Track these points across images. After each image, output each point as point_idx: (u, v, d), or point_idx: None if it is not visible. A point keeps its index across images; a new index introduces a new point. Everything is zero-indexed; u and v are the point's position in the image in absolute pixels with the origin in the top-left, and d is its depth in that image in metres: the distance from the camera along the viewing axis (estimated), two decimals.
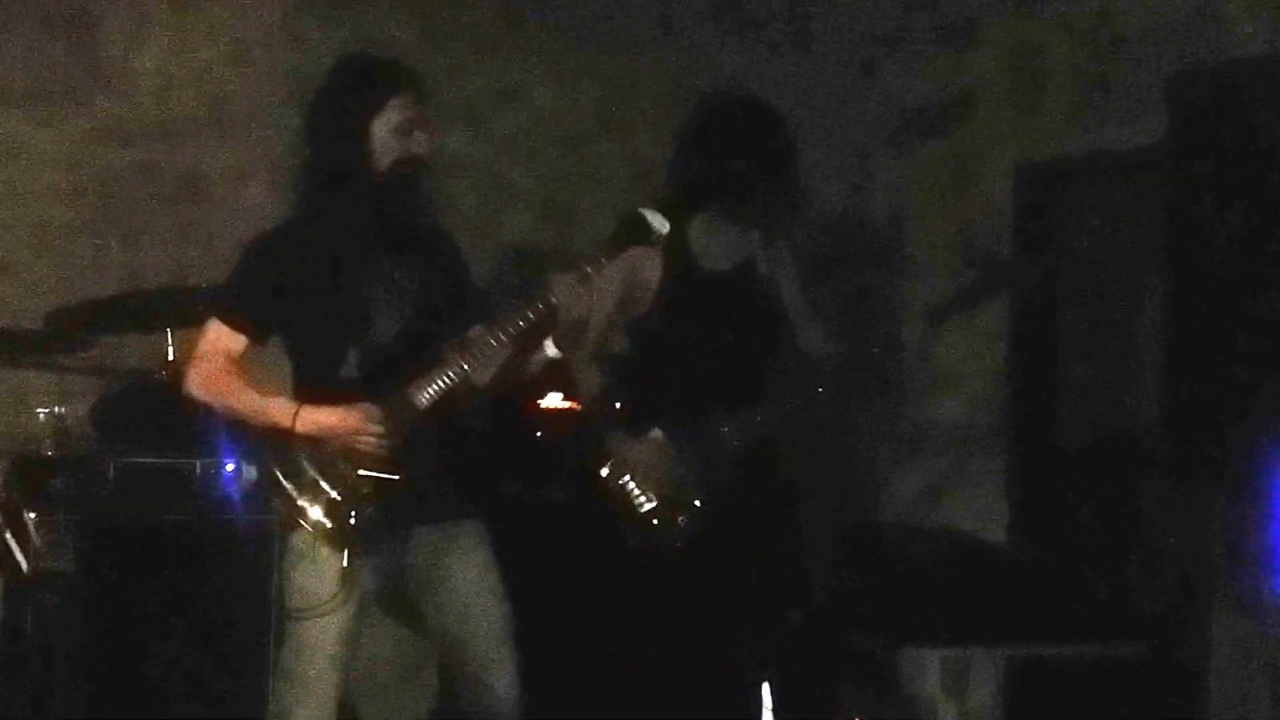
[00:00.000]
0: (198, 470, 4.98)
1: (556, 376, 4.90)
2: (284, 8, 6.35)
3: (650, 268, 4.77)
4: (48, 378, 5.41)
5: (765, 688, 4.86)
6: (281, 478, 3.99)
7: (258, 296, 4.08)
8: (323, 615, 3.98)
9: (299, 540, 4.02)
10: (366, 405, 3.97)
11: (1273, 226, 5.08)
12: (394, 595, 4.13)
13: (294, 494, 3.98)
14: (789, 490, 4.93)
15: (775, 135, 4.78)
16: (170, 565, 4.83)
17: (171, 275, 5.78)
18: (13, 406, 5.41)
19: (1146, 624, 5.33)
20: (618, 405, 4.79)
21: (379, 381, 4.02)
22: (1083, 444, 6.23)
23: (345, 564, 3.96)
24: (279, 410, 4.01)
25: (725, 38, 6.99)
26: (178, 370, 4.55)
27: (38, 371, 5.39)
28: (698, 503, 4.71)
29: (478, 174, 6.51)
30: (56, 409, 5.09)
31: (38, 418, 5.07)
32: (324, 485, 3.97)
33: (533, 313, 3.98)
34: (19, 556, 4.79)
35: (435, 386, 4.00)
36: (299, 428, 3.97)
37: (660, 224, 4.11)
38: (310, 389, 4.06)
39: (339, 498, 3.97)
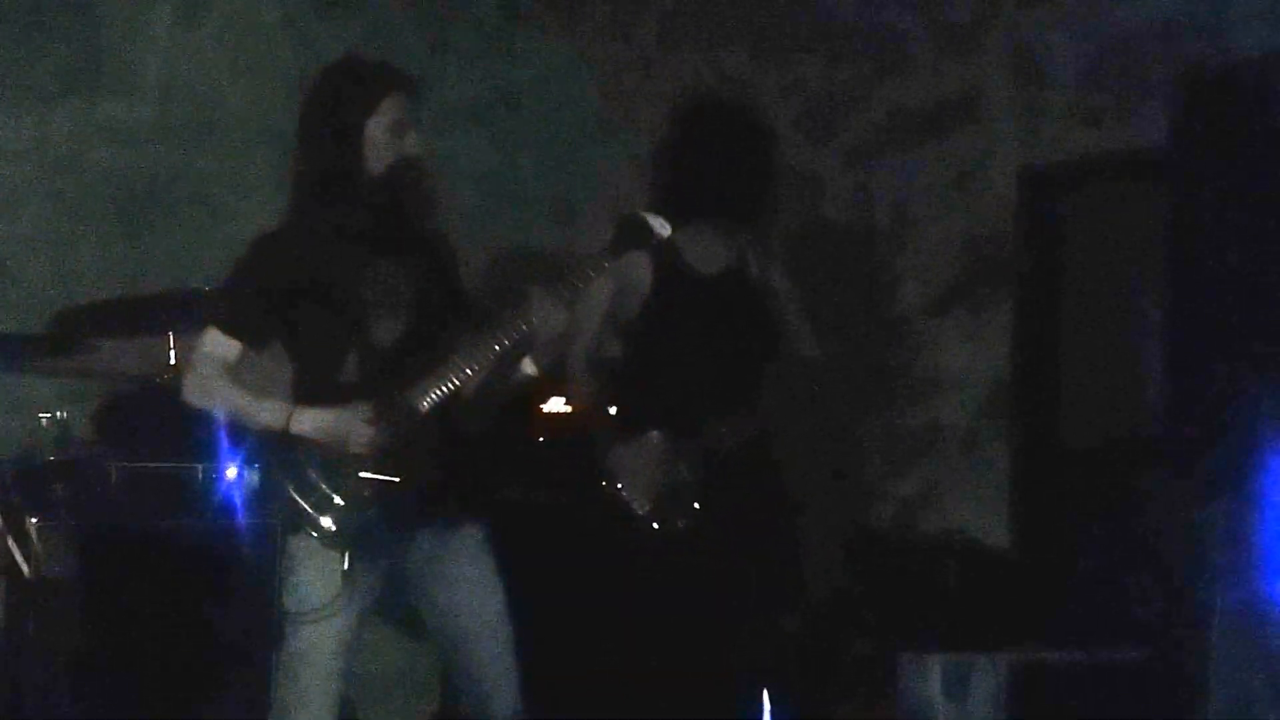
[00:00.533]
0: (199, 475, 4.97)
1: (558, 381, 4.91)
2: (286, 9, 6.34)
3: (640, 271, 4.77)
4: (49, 382, 5.41)
5: (765, 693, 4.85)
6: (282, 480, 3.99)
7: (254, 301, 4.08)
8: (323, 619, 3.99)
9: (299, 544, 4.02)
10: (357, 406, 3.97)
11: (1277, 228, 5.07)
12: (394, 598, 4.13)
13: (295, 497, 3.98)
14: (788, 495, 4.93)
15: (754, 136, 4.79)
16: (172, 570, 4.83)
17: (173, 279, 5.77)
18: (14, 411, 5.41)
19: (1147, 629, 5.32)
20: (613, 410, 4.80)
21: (378, 385, 4.01)
22: (1085, 448, 6.21)
23: (346, 567, 3.96)
24: (272, 413, 4.02)
25: (728, 39, 6.98)
26: (179, 375, 4.54)
27: (39, 376, 5.38)
28: (696, 505, 4.71)
29: (479, 176, 6.50)
30: (58, 413, 5.07)
31: (39, 422, 5.07)
32: (325, 488, 3.98)
33: (508, 339, 3.98)
34: (20, 561, 4.79)
35: (436, 391, 4.00)
36: (292, 429, 3.98)
37: (661, 226, 4.12)
38: (309, 393, 4.06)
39: (340, 501, 3.97)
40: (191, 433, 4.73)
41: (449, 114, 6.31)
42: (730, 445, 4.74)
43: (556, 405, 5.75)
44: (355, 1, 6.46)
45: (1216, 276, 5.16)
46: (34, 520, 4.81)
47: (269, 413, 4.02)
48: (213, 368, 4.07)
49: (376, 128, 4.03)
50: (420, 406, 4.01)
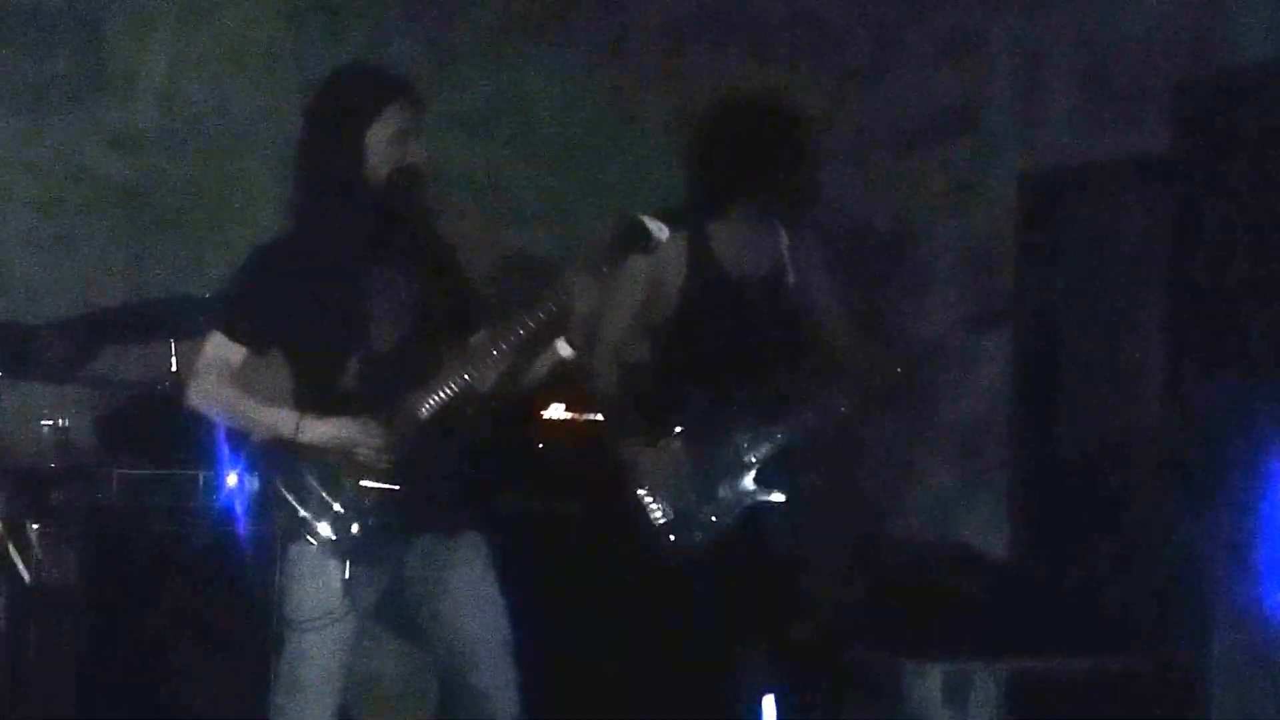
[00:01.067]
0: (200, 482, 4.98)
1: (560, 387, 4.90)
2: (288, 17, 6.35)
3: (673, 272, 4.73)
4: (50, 389, 5.40)
5: (768, 701, 4.84)
6: (283, 489, 4.00)
7: (257, 307, 4.08)
8: (323, 627, 3.98)
9: (299, 551, 4.01)
10: (367, 419, 3.97)
11: (1275, 234, 5.08)
12: (394, 607, 4.12)
13: (295, 504, 3.97)
14: (793, 503, 4.90)
15: (793, 130, 4.74)
16: (172, 576, 4.84)
17: (174, 286, 5.77)
18: (15, 418, 5.40)
19: (1148, 636, 5.32)
20: (636, 412, 4.75)
21: (378, 392, 4.01)
22: (1084, 456, 6.21)
23: (345, 575, 3.96)
24: (281, 421, 4.01)
25: (728, 46, 6.98)
26: (180, 382, 4.55)
27: (40, 383, 5.38)
28: (714, 519, 4.68)
29: (479, 183, 6.50)
30: (59, 421, 5.10)
31: (40, 429, 5.08)
32: (325, 496, 3.97)
33: (543, 312, 3.96)
34: (22, 568, 4.81)
35: (436, 397, 4.00)
36: (301, 438, 3.97)
37: (659, 230, 4.08)
38: (310, 400, 4.05)
39: (340, 509, 3.97)
40: (192, 440, 4.75)
41: (447, 122, 6.31)
42: (754, 459, 4.70)
43: (558, 412, 5.74)
44: (356, 10, 6.46)
45: (1215, 284, 5.17)
46: (35, 526, 4.84)
47: (277, 420, 4.02)
48: (217, 373, 4.07)
49: (379, 136, 4.03)
50: (420, 413, 4.01)
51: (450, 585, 4.09)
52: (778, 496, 4.74)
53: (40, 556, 4.82)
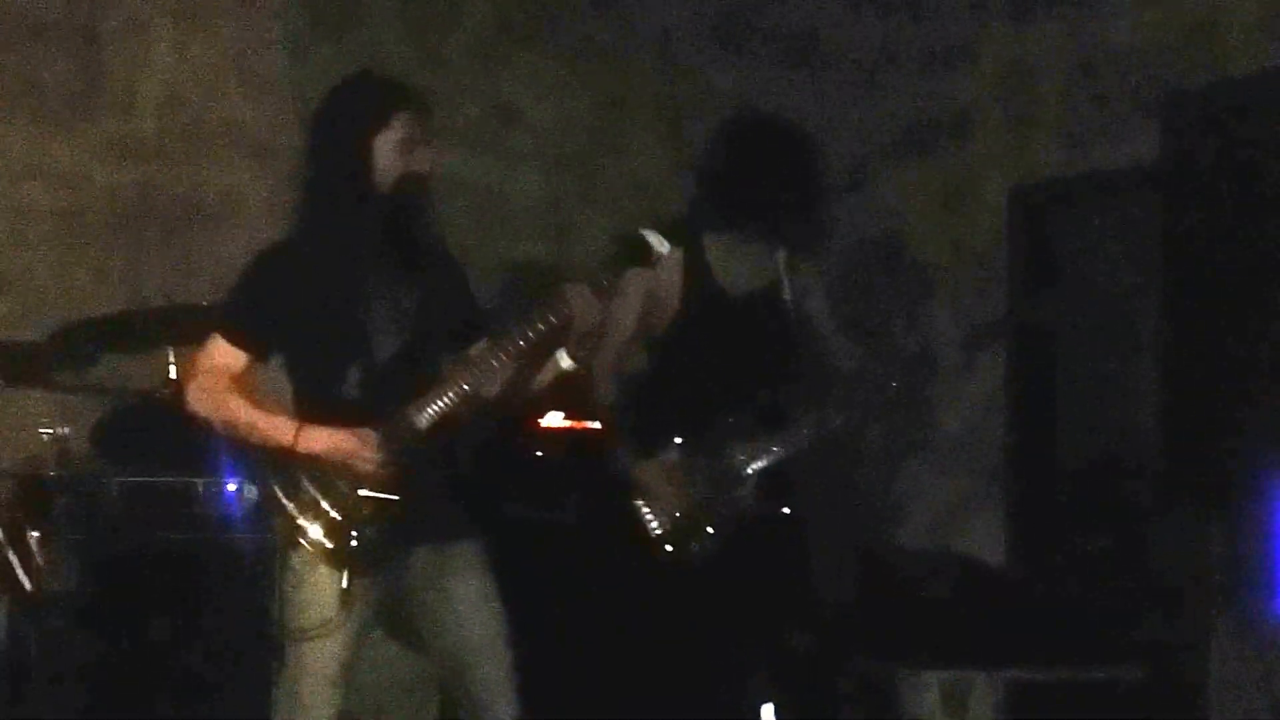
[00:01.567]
0: (200, 490, 4.98)
1: (558, 395, 4.90)
2: (285, 27, 6.36)
3: (670, 286, 4.75)
4: (50, 397, 5.40)
5: (767, 710, 4.85)
6: (282, 497, 3.98)
7: (260, 313, 4.07)
8: (323, 635, 3.96)
9: (299, 560, 3.99)
10: (366, 430, 3.97)
11: (1268, 246, 5.10)
12: (393, 616, 4.13)
13: (294, 513, 3.96)
14: (793, 513, 4.91)
15: (803, 158, 4.75)
16: (172, 584, 4.84)
17: (173, 294, 5.77)
18: (15, 426, 5.41)
19: (1146, 647, 5.33)
20: (634, 425, 4.76)
21: (378, 401, 4.01)
22: (1082, 467, 6.23)
23: (345, 584, 3.95)
24: (280, 429, 4.00)
25: (722, 56, 7.00)
26: (180, 389, 4.55)
27: (40, 391, 5.38)
28: (710, 529, 4.70)
29: (476, 193, 6.51)
30: (59, 429, 5.09)
31: (40, 438, 5.08)
32: (324, 505, 3.96)
33: (543, 323, 3.97)
34: (22, 576, 4.80)
35: (435, 407, 4.00)
36: (299, 447, 3.97)
37: (660, 244, 4.08)
38: (309, 407, 4.04)
39: (339, 517, 3.96)
40: (192, 448, 4.75)
41: (442, 132, 6.31)
42: (750, 471, 4.72)
43: (556, 421, 5.74)
44: (352, 20, 6.47)
45: (1209, 295, 5.18)
46: (35, 535, 4.83)
47: (276, 428, 4.01)
48: (219, 378, 4.07)
49: (385, 144, 4.03)
50: (419, 423, 4.01)
51: (450, 594, 4.08)
52: (775, 508, 4.77)
53: (40, 564, 4.81)
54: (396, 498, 3.97)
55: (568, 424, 5.71)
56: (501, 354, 3.99)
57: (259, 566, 4.50)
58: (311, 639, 3.97)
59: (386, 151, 4.03)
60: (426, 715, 5.11)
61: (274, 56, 6.31)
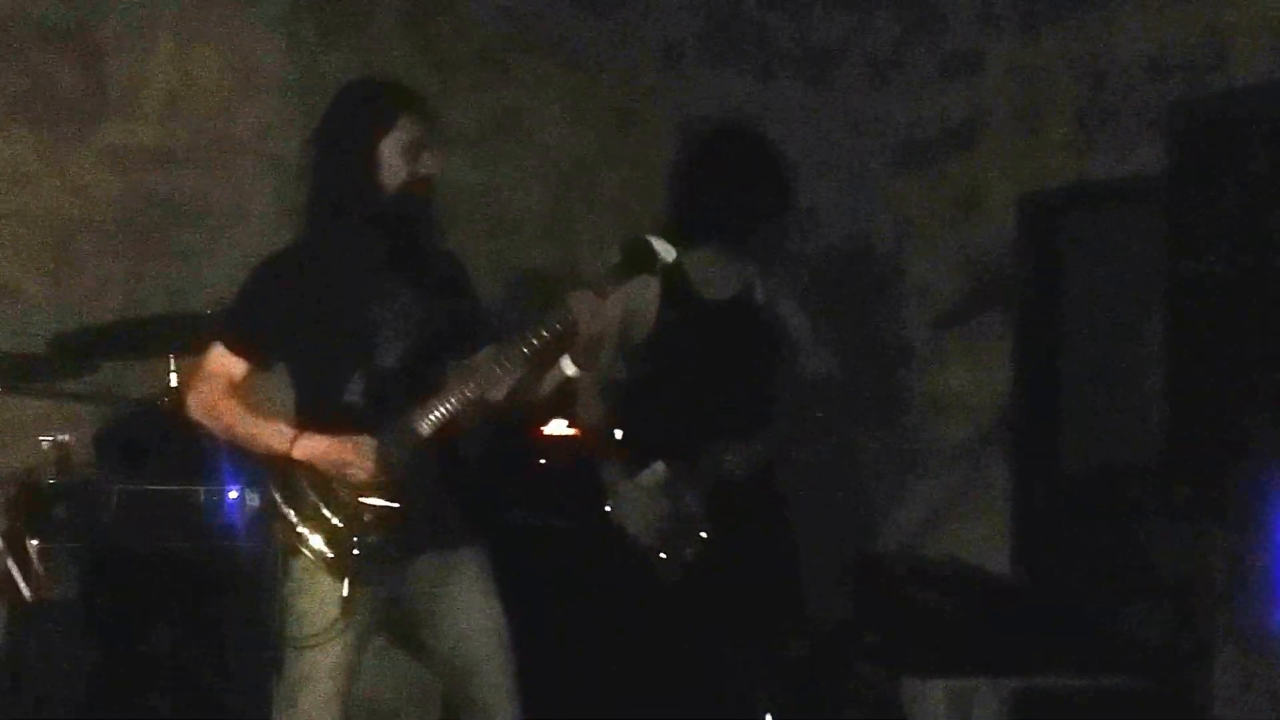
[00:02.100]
0: (200, 497, 4.98)
1: (561, 402, 4.90)
2: (288, 34, 6.36)
3: (648, 295, 4.77)
4: (50, 405, 5.40)
5: (768, 719, 4.84)
6: (283, 504, 3.98)
7: (262, 320, 4.06)
8: (323, 643, 3.96)
9: (299, 568, 3.99)
10: (363, 437, 3.96)
11: (1274, 257, 5.09)
12: (395, 623, 4.12)
13: (295, 521, 3.96)
14: (790, 519, 4.92)
15: (771, 168, 4.79)
16: (173, 592, 4.84)
17: (174, 301, 5.77)
18: (15, 434, 5.40)
19: (1150, 656, 5.33)
20: (618, 435, 4.78)
21: (382, 407, 4.00)
22: (1086, 474, 6.22)
23: (346, 592, 3.94)
24: (277, 436, 3.99)
25: (729, 65, 7.00)
26: (180, 397, 4.55)
27: (40, 398, 5.38)
28: (703, 535, 4.70)
29: (480, 201, 6.51)
30: (59, 436, 5.09)
31: (40, 445, 5.07)
32: (325, 512, 3.96)
33: (549, 331, 3.96)
34: (22, 584, 4.80)
35: (439, 413, 3.99)
36: (295, 454, 3.96)
37: (666, 251, 4.08)
38: (312, 414, 4.03)
39: (340, 525, 3.96)
40: (193, 455, 4.75)
41: (447, 139, 6.31)
42: (738, 475, 4.73)
43: (558, 428, 5.74)
44: (357, 26, 6.47)
45: (1215, 303, 5.18)
46: (35, 543, 4.83)
47: (273, 436, 4.01)
48: (218, 386, 4.06)
49: (392, 147, 4.03)
50: (422, 429, 4.00)
51: (452, 601, 4.07)
52: (767, 512, 4.77)
53: (40, 572, 4.81)
54: (398, 505, 3.97)
55: (571, 431, 5.70)
56: (506, 360, 3.98)
57: (260, 575, 4.50)
58: (312, 647, 3.96)
59: (392, 154, 4.03)
60: None
61: (278, 64, 6.31)
